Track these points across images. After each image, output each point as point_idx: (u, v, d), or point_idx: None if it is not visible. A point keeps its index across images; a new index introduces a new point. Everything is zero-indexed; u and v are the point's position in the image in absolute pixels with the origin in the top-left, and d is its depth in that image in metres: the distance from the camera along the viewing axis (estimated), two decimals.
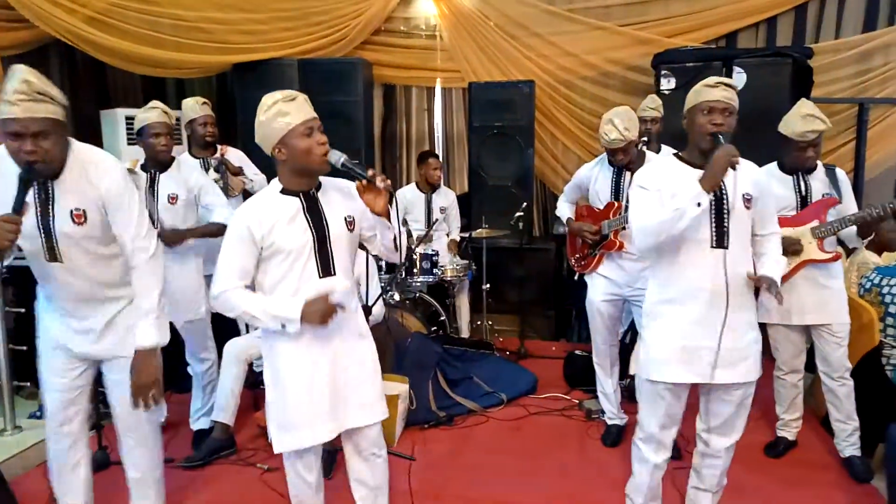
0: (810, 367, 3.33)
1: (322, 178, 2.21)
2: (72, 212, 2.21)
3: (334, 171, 2.16)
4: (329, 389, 2.18)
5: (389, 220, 2.20)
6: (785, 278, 3.08)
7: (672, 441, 2.50)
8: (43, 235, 2.21)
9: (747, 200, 2.30)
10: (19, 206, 2.02)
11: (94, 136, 5.07)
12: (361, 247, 2.38)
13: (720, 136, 2.23)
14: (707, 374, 2.31)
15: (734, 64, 4.66)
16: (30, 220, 2.14)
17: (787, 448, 3.39)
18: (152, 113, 3.34)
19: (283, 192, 2.14)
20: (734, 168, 2.20)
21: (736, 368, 2.31)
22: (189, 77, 5.75)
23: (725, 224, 2.28)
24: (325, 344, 2.17)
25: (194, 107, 3.98)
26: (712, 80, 2.30)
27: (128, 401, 2.44)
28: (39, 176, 2.13)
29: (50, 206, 2.20)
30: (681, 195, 2.20)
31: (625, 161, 3.28)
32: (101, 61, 4.90)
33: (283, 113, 2.03)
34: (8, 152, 2.09)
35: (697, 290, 2.28)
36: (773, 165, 3.17)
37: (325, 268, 2.15)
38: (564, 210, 3.68)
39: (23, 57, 4.39)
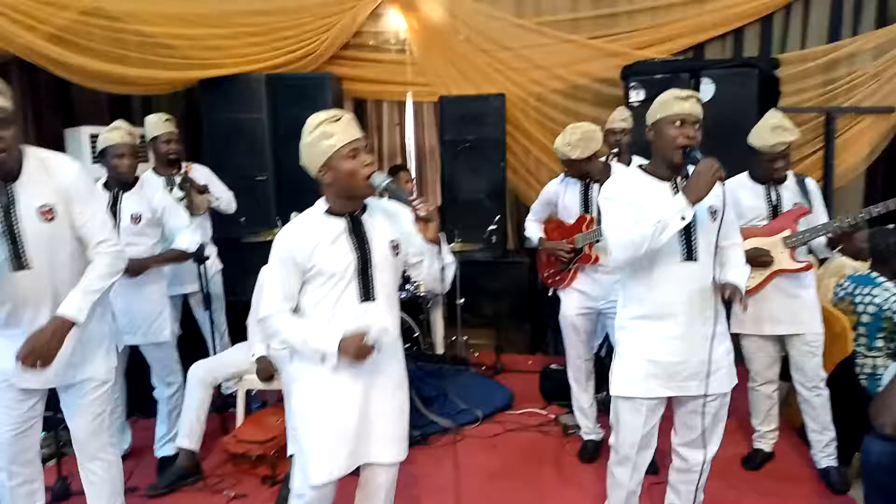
0: (787, 376, 3.31)
1: (368, 200, 2.14)
2: (39, 209, 2.17)
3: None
4: (355, 422, 2.10)
5: (440, 248, 2.14)
6: (756, 289, 3.09)
7: (647, 463, 2.45)
8: (8, 241, 2.14)
9: (713, 213, 2.28)
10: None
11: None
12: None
13: (694, 150, 2.20)
14: (684, 386, 2.28)
15: (702, 75, 4.68)
16: None
17: (765, 460, 3.37)
18: (115, 133, 3.26)
19: (329, 212, 2.09)
20: (722, 182, 2.17)
21: (710, 380, 2.28)
22: (156, 94, 5.65)
23: (694, 237, 2.25)
24: (359, 374, 2.08)
25: (157, 123, 3.90)
26: (682, 92, 2.27)
27: (89, 426, 2.40)
28: (3, 168, 2.08)
29: (12, 209, 2.14)
30: (660, 208, 2.17)
31: (574, 174, 3.29)
32: (64, 79, 4.79)
33: (327, 135, 1.98)
34: None
35: (671, 303, 2.25)
36: (744, 175, 3.17)
37: (366, 292, 2.08)
38: (534, 230, 3.63)
39: None
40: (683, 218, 2.14)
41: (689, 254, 2.25)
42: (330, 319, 2.05)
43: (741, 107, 4.48)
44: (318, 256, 2.02)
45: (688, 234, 2.25)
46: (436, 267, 2.18)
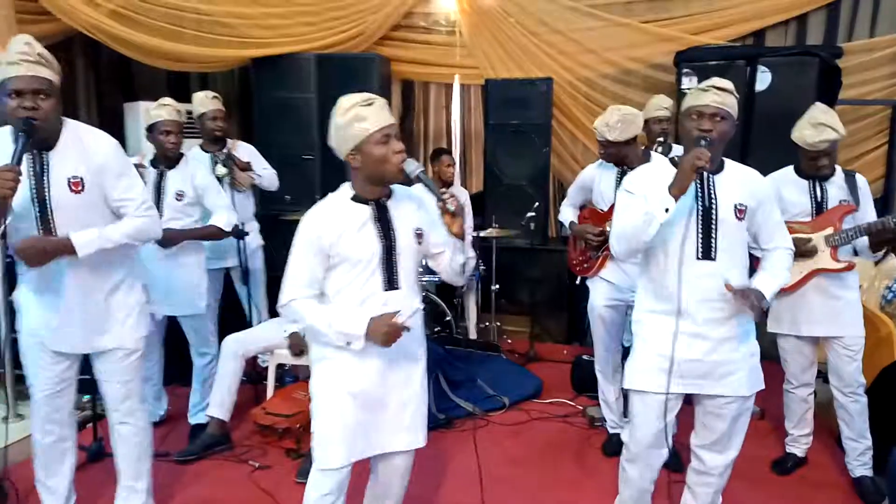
0: (828, 380, 3.18)
1: (394, 186, 2.12)
2: (69, 180, 2.24)
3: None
4: (375, 408, 2.09)
5: (463, 243, 2.14)
6: (794, 287, 2.98)
7: (661, 463, 2.39)
8: (37, 207, 2.23)
9: (740, 211, 2.18)
10: (18, 159, 2.07)
11: (118, 129, 5.15)
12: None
13: (705, 142, 2.11)
14: (696, 384, 2.22)
15: (759, 63, 4.49)
16: (23, 192, 2.15)
17: (796, 465, 3.25)
18: (163, 111, 3.37)
19: (355, 199, 2.06)
20: (699, 171, 2.08)
21: (725, 382, 2.21)
22: (211, 71, 5.79)
23: (713, 235, 2.17)
24: (381, 359, 2.07)
25: (204, 101, 3.99)
26: (706, 83, 2.20)
27: (119, 392, 2.51)
28: (37, 136, 2.15)
29: (45, 177, 2.22)
30: (653, 200, 2.11)
31: (610, 159, 3.21)
32: (124, 55, 4.96)
33: (360, 118, 1.94)
34: (7, 112, 2.13)
35: (683, 302, 2.18)
36: (790, 169, 3.05)
37: (391, 280, 2.06)
38: (567, 214, 3.58)
39: (48, 49, 4.47)
40: (667, 210, 2.08)
41: (707, 252, 2.17)
42: (354, 307, 2.03)
43: (799, 97, 4.26)
44: (345, 243, 2.01)
45: (706, 231, 2.17)
46: (458, 261, 2.18)
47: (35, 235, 2.23)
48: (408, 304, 2.09)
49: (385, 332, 1.96)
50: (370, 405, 2.08)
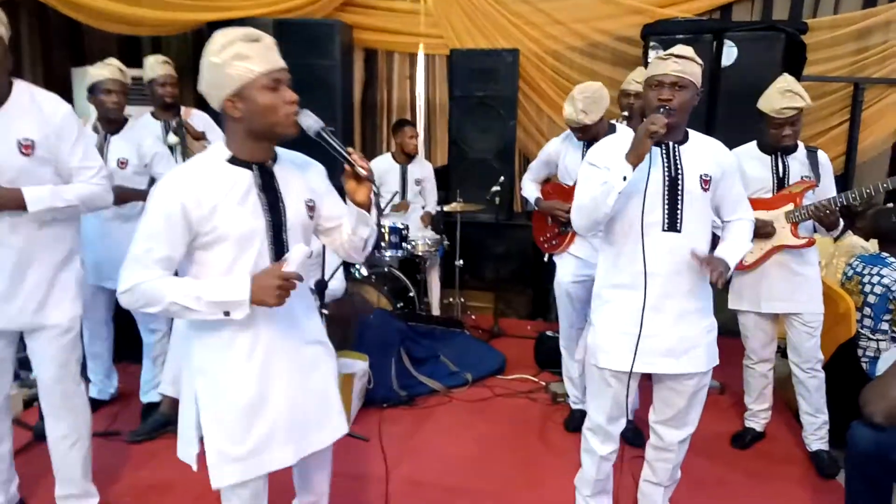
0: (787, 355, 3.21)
1: (278, 149, 1.77)
2: (19, 141, 2.12)
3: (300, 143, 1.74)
4: (287, 406, 1.76)
5: (370, 213, 1.78)
6: (755, 264, 2.98)
7: (619, 433, 2.38)
8: None
9: (705, 181, 2.15)
10: None
11: (66, 95, 4.89)
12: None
13: (664, 110, 2.07)
14: (653, 363, 2.19)
15: (725, 37, 4.45)
16: None
17: (755, 439, 3.29)
18: (105, 70, 3.22)
19: (233, 161, 1.67)
20: (653, 137, 2.03)
21: (684, 358, 2.19)
22: (164, 35, 5.56)
23: (679, 206, 2.13)
24: (279, 347, 1.75)
25: (154, 66, 3.80)
26: (664, 52, 2.15)
27: (49, 375, 2.37)
28: None
29: None
30: (612, 170, 2.06)
31: (585, 138, 3.14)
32: (73, 19, 4.72)
33: (242, 56, 1.57)
34: None
35: (647, 274, 2.13)
36: (752, 145, 3.04)
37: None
38: (531, 189, 3.51)
39: None
40: (625, 178, 2.04)
41: (672, 224, 2.13)
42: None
43: (764, 72, 4.23)
44: (222, 217, 1.63)
45: (672, 202, 2.12)
46: (360, 234, 1.81)
47: None
48: (301, 287, 1.73)
49: (274, 285, 1.60)
50: (283, 402, 1.76)
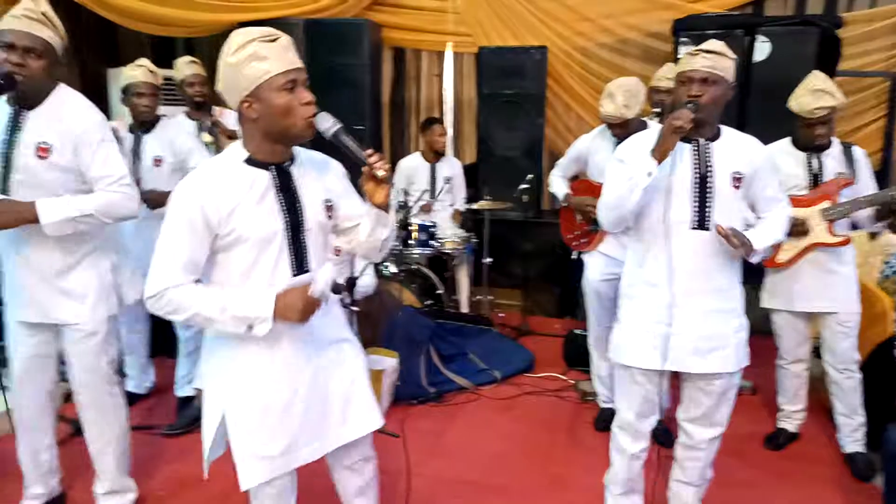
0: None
1: (296, 149, 1.76)
2: (37, 144, 2.16)
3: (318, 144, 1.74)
4: (312, 404, 1.78)
5: (388, 214, 1.79)
6: (790, 262, 2.93)
7: (650, 430, 2.37)
8: (2, 163, 2.17)
9: (736, 179, 2.12)
10: None
11: (100, 94, 5.03)
12: None
13: (692, 105, 2.06)
14: (681, 361, 2.17)
15: (758, 32, 4.39)
16: None
17: (788, 440, 3.24)
18: (136, 72, 3.27)
19: (250, 162, 1.67)
20: (675, 133, 2.02)
21: (712, 358, 2.17)
22: (196, 36, 5.64)
23: (708, 204, 2.11)
24: (303, 349, 1.76)
25: (182, 66, 3.87)
26: (694, 48, 2.13)
27: (80, 376, 2.42)
28: (16, 92, 2.10)
29: (16, 135, 2.16)
30: (637, 165, 2.07)
31: (623, 134, 3.10)
32: (109, 20, 4.83)
33: (258, 57, 1.56)
34: None
35: (674, 272, 2.12)
36: (787, 141, 2.99)
37: (300, 263, 1.73)
38: (560, 185, 3.50)
39: None
40: (650, 174, 2.03)
41: (701, 222, 2.11)
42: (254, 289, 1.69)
43: (797, 68, 4.13)
44: (240, 218, 1.63)
45: (701, 200, 2.11)
46: (378, 235, 1.81)
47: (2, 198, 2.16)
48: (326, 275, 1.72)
49: (299, 306, 1.62)
50: (308, 402, 1.77)
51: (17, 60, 2.05)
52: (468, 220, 4.90)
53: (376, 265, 3.98)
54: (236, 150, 1.70)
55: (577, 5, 5.27)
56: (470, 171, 5.28)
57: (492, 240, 4.77)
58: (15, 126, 2.16)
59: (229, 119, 4.10)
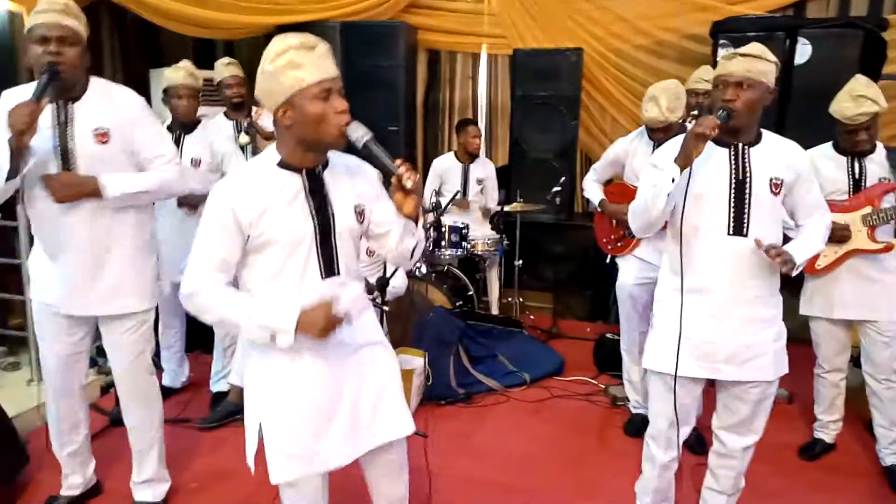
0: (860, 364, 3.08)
1: (331, 154, 1.77)
2: (94, 131, 2.23)
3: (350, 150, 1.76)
4: (340, 408, 1.78)
5: (417, 225, 1.81)
6: (828, 268, 2.87)
7: (683, 440, 2.33)
8: (60, 157, 2.23)
9: (775, 185, 2.08)
10: (38, 96, 2.06)
11: (142, 95, 5.14)
12: None
13: (723, 112, 2.03)
14: (717, 369, 2.15)
15: (799, 34, 4.30)
16: (47, 142, 2.18)
17: (824, 451, 3.17)
18: (178, 73, 3.35)
19: (282, 165, 1.70)
20: (698, 139, 1.99)
21: (748, 366, 2.14)
22: (236, 38, 5.74)
23: (746, 210, 2.07)
24: (332, 352, 1.76)
25: (220, 68, 3.96)
26: (730, 51, 2.11)
27: (124, 366, 2.48)
28: (61, 83, 2.15)
29: (69, 127, 2.23)
30: (664, 172, 2.05)
31: (663, 139, 3.07)
32: (151, 21, 4.94)
33: (294, 65, 1.58)
34: (33, 59, 2.15)
35: (710, 279, 2.10)
36: (828, 146, 2.93)
37: (329, 267, 1.73)
38: (594, 190, 3.47)
39: None
40: (673, 180, 2.02)
41: (738, 228, 2.08)
42: (284, 297, 1.70)
43: (840, 71, 4.05)
44: (270, 221, 1.65)
45: (738, 206, 2.08)
46: (407, 244, 1.82)
47: (66, 174, 2.24)
48: (347, 290, 1.73)
49: (321, 323, 1.62)
50: (339, 407, 1.78)
51: (54, 50, 2.11)
52: (500, 221, 4.90)
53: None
54: (270, 154, 1.73)
55: (614, 7, 5.24)
56: (502, 173, 5.28)
57: (523, 242, 4.76)
58: (66, 119, 2.22)
59: (267, 120, 4.18)
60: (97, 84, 2.30)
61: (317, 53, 1.61)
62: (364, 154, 1.71)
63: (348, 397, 1.80)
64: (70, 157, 2.23)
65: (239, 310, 1.66)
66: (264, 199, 1.66)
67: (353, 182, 1.79)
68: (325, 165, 1.76)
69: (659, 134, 3.11)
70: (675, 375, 2.17)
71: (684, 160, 2.02)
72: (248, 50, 6.00)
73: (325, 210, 1.72)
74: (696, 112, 3.64)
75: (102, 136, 2.24)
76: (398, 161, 1.69)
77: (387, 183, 1.83)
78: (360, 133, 1.66)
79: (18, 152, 2.07)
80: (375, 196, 1.83)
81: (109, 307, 2.39)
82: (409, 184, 1.69)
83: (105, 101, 2.27)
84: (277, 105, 1.62)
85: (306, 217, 1.70)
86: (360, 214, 1.78)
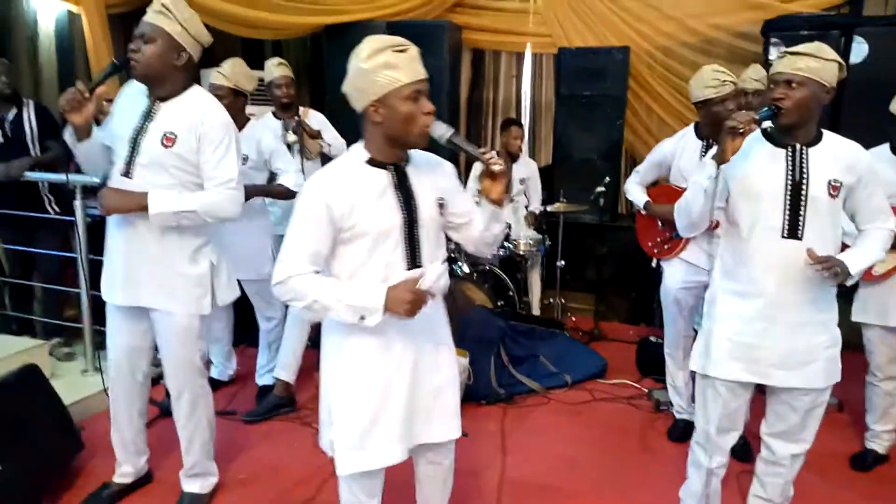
0: None
1: (411, 150, 1.86)
2: (164, 133, 2.29)
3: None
4: (407, 400, 1.85)
5: (502, 210, 1.88)
6: (885, 275, 2.80)
7: (730, 446, 2.29)
8: (129, 149, 2.32)
9: (833, 187, 2.03)
10: (96, 84, 2.28)
11: None
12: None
13: (768, 109, 2.01)
14: (767, 374, 2.11)
15: (855, 33, 4.18)
16: (128, 131, 2.32)
17: (876, 462, 3.08)
18: (219, 72, 3.41)
19: (371, 162, 1.79)
20: (731, 135, 1.96)
21: (799, 372, 2.09)
22: (284, 38, 5.82)
23: (801, 212, 2.03)
24: (408, 344, 1.84)
25: (271, 68, 4.00)
26: (783, 50, 2.08)
27: (173, 365, 2.54)
28: (136, 77, 2.29)
29: (147, 123, 2.31)
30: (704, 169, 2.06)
31: (709, 123, 3.03)
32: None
33: (391, 66, 1.65)
34: None
35: (763, 282, 2.06)
36: (885, 147, 2.85)
37: (413, 257, 1.81)
38: (638, 193, 3.42)
39: (126, 15, 4.58)
40: (710, 178, 2.01)
41: (793, 231, 2.04)
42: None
43: None
44: (361, 214, 1.74)
45: (794, 208, 2.03)
46: (492, 230, 1.91)
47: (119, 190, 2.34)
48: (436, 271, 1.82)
49: (408, 299, 1.70)
50: (404, 398, 1.85)
51: (132, 46, 2.24)
52: (542, 221, 4.88)
53: (448, 264, 4.01)
54: (358, 152, 1.81)
55: (662, 5, 5.18)
56: (546, 173, 5.26)
57: (566, 243, 4.73)
58: (148, 116, 2.31)
59: (313, 119, 4.24)
60: (193, 92, 2.35)
61: (410, 55, 1.70)
62: (448, 148, 1.80)
63: (411, 396, 1.86)
64: (135, 152, 2.31)
65: (329, 293, 1.74)
66: (355, 193, 1.75)
67: (433, 177, 1.88)
68: (408, 161, 1.85)
69: (708, 129, 3.06)
70: (722, 380, 2.15)
71: (720, 156, 2.00)
72: (296, 50, 6.09)
73: (411, 203, 1.80)
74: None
75: (169, 140, 2.29)
76: (483, 149, 1.79)
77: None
78: (441, 130, 1.75)
79: (76, 128, 2.31)
80: (455, 189, 1.92)
81: (154, 301, 2.43)
82: (496, 168, 1.78)
83: (189, 108, 2.31)
84: (369, 101, 1.70)
85: (395, 209, 1.78)
86: (441, 206, 1.87)
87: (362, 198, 1.75)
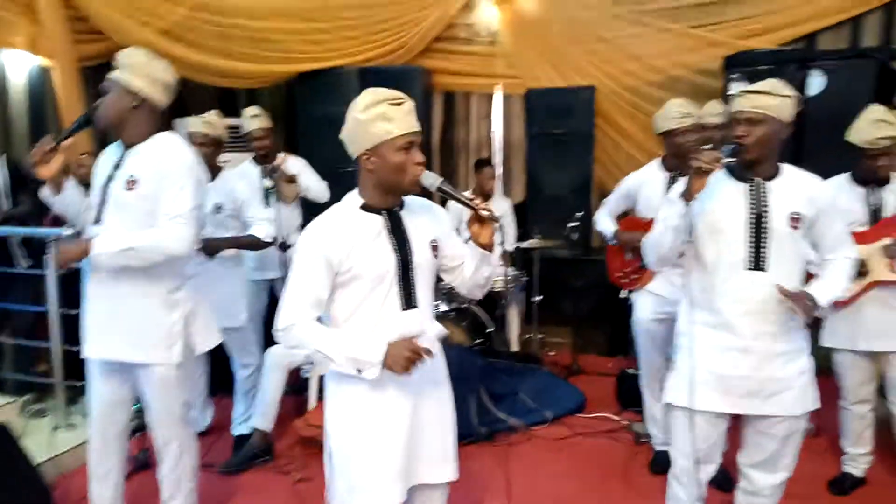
0: None
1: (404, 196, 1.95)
2: (128, 178, 2.32)
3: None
4: (405, 444, 1.88)
5: (491, 253, 1.95)
6: (851, 300, 2.85)
7: (708, 479, 2.30)
8: (100, 193, 2.37)
9: (794, 220, 2.09)
10: (64, 137, 2.37)
11: None
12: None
13: (730, 147, 2.08)
14: (742, 404, 2.13)
15: (811, 66, 4.34)
16: (100, 181, 2.40)
17: (854, 485, 3.11)
18: (196, 122, 3.45)
19: (365, 208, 1.86)
20: (698, 174, 2.03)
21: (774, 400, 2.12)
22: (258, 87, 5.89)
23: (764, 244, 2.09)
24: (407, 390, 1.87)
25: (247, 120, 4.02)
26: (742, 89, 2.15)
27: (155, 416, 2.51)
28: (101, 127, 2.40)
29: (116, 171, 2.36)
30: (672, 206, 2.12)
31: (678, 166, 3.10)
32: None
33: (386, 118, 1.75)
34: None
35: (732, 313, 2.11)
36: (845, 177, 2.94)
37: (408, 299, 1.86)
38: (607, 223, 3.49)
39: (100, 68, 4.62)
40: (679, 215, 2.08)
41: (756, 263, 2.09)
42: (371, 329, 1.84)
43: (854, 102, 4.02)
44: (357, 258, 1.80)
45: (757, 240, 2.09)
46: (482, 273, 1.98)
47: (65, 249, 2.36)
48: (427, 323, 1.92)
49: (406, 358, 1.74)
50: (404, 440, 1.88)
51: (97, 102, 2.35)
52: (518, 258, 4.92)
53: None
54: (353, 198, 1.89)
55: (626, 45, 5.30)
56: (519, 210, 5.32)
57: (541, 278, 4.78)
58: (118, 164, 2.36)
59: (292, 164, 4.26)
60: (160, 137, 2.37)
61: (404, 109, 1.79)
62: (438, 196, 1.91)
63: (414, 432, 1.90)
64: (105, 199, 2.36)
65: (330, 344, 1.81)
66: (351, 238, 1.82)
67: (426, 220, 1.95)
68: (402, 206, 1.92)
69: (672, 161, 3.13)
70: (700, 411, 2.17)
71: (688, 194, 2.07)
72: (271, 96, 6.15)
73: (404, 246, 1.87)
74: (709, 147, 3.66)
75: (131, 184, 2.32)
76: (471, 196, 1.90)
77: None
78: (431, 180, 1.84)
79: (47, 182, 2.38)
80: (447, 232, 2.00)
81: (127, 354, 2.40)
82: (485, 213, 1.87)
83: (154, 152, 2.34)
84: (363, 150, 1.80)
85: (389, 253, 1.85)
86: (434, 249, 1.93)
87: (358, 242, 1.82)
